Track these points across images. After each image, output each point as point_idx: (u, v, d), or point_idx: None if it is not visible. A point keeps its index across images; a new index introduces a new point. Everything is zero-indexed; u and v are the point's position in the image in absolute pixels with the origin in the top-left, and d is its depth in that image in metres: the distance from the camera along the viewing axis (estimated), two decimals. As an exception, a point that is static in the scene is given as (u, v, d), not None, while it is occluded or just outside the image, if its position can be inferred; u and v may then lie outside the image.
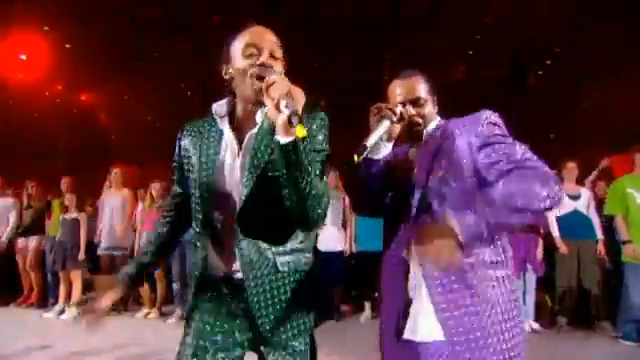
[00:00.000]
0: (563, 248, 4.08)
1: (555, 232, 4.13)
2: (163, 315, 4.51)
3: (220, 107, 1.20)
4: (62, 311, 4.79)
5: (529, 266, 4.15)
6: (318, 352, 1.31)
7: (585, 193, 4.23)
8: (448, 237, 1.06)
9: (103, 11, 6.32)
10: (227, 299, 1.18)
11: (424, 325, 1.19)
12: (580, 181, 4.38)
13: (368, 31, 6.97)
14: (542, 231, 4.30)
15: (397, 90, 1.34)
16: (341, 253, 4.64)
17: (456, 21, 6.58)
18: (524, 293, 4.13)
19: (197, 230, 1.20)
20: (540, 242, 4.23)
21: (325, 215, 1.12)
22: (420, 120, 1.32)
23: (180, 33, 6.64)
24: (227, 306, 1.18)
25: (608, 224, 4.25)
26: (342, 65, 7.71)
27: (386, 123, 1.23)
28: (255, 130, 1.14)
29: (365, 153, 1.23)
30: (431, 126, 1.34)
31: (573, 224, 4.09)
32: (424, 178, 1.25)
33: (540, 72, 7.61)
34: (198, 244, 1.20)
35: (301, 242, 1.17)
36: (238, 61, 1.14)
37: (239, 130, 1.18)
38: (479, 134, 1.21)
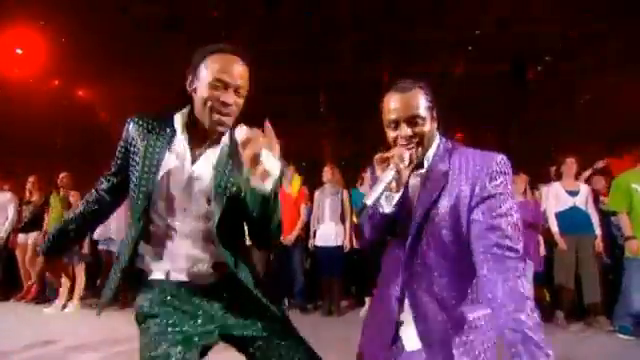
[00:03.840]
0: (562, 243, 4.10)
1: (554, 228, 4.16)
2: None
3: (182, 116, 1.28)
4: (64, 306, 4.80)
5: (528, 261, 4.18)
6: (318, 347, 1.33)
7: (584, 189, 4.23)
8: None
9: (101, 6, 6.28)
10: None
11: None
12: (576, 177, 4.38)
13: (367, 29, 6.94)
14: (541, 228, 4.32)
15: (392, 105, 1.18)
16: (340, 248, 4.63)
17: (456, 17, 6.56)
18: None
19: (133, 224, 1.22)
20: (540, 239, 4.25)
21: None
22: (420, 152, 1.19)
23: (179, 30, 6.59)
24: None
25: (606, 219, 4.28)
26: (341, 64, 7.68)
27: (390, 175, 1.11)
28: (216, 149, 1.24)
29: (366, 212, 1.19)
30: (432, 149, 1.21)
31: (572, 220, 4.11)
32: (422, 214, 1.15)
33: (539, 69, 7.60)
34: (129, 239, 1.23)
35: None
36: (203, 87, 1.18)
37: (195, 138, 1.24)
38: (484, 187, 1.11)
